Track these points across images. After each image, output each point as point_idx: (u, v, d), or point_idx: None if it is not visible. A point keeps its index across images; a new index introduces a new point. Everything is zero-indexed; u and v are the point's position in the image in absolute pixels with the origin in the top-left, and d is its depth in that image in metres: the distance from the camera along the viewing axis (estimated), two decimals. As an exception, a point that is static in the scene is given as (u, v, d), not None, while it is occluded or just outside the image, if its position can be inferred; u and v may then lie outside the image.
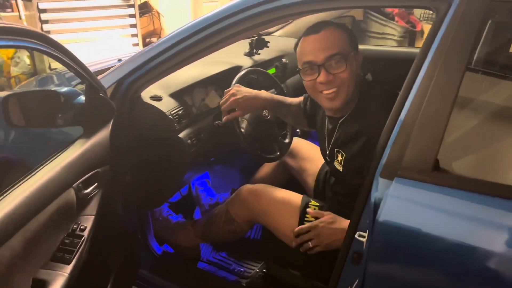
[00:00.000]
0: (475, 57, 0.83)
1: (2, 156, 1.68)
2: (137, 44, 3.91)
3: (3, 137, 1.72)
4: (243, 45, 1.94)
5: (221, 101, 1.46)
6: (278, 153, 1.64)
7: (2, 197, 0.93)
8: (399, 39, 3.85)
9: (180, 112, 1.49)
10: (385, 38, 3.89)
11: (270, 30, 2.32)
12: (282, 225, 1.37)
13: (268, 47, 1.97)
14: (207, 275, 1.59)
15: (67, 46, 1.09)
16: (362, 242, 0.90)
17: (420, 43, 3.75)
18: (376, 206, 0.85)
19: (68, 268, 1.03)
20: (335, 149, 1.31)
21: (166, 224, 1.67)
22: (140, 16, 4.05)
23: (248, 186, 1.49)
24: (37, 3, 3.43)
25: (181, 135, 1.45)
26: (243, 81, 1.56)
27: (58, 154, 1.11)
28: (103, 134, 1.22)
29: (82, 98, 1.19)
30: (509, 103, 0.93)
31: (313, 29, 1.22)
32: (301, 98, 1.56)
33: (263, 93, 1.48)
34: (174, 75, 1.37)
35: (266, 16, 1.11)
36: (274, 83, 1.73)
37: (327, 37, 1.20)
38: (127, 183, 1.34)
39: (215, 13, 1.18)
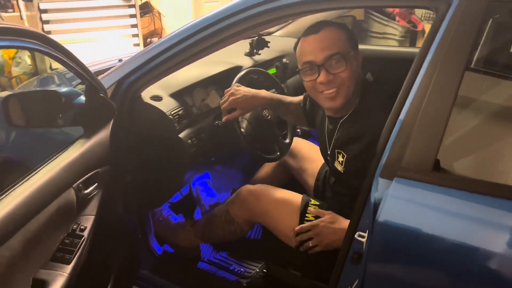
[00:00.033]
0: (474, 57, 0.83)
1: (3, 156, 1.69)
2: (138, 44, 3.91)
3: (4, 137, 1.72)
4: (244, 45, 1.94)
5: (221, 101, 1.46)
6: (278, 153, 1.64)
7: (2, 197, 0.94)
8: (400, 39, 3.85)
9: (180, 112, 1.49)
10: (386, 38, 3.89)
11: (271, 30, 2.32)
12: (282, 225, 1.37)
13: (268, 47, 1.97)
14: (207, 275, 1.59)
15: (68, 46, 1.09)
16: (362, 242, 0.90)
17: (421, 43, 3.74)
18: (376, 206, 0.85)
19: (68, 268, 1.03)
20: (336, 150, 1.30)
21: (166, 224, 1.67)
22: (141, 16, 4.05)
23: (248, 187, 1.49)
24: (38, 3, 3.44)
25: (181, 135, 1.45)
26: (243, 81, 1.56)
27: (58, 154, 1.12)
28: (103, 134, 1.22)
29: (82, 98, 1.19)
30: (508, 103, 0.93)
31: (312, 29, 1.22)
32: (301, 97, 1.56)
33: (262, 92, 1.48)
34: (174, 75, 1.37)
35: (266, 16, 1.12)
36: (275, 83, 1.73)
37: (327, 37, 1.19)
38: (127, 183, 1.34)
39: (215, 13, 1.18)
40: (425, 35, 0.96)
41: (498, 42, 0.84)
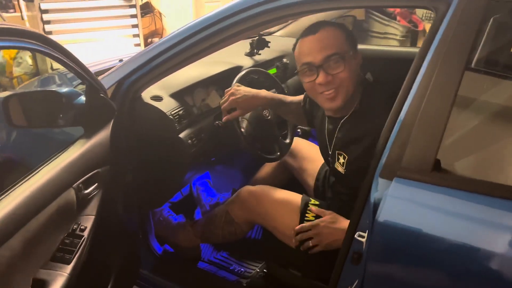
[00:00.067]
0: (474, 57, 0.82)
1: (4, 156, 1.69)
2: (138, 45, 3.92)
3: (5, 137, 1.73)
4: (244, 45, 1.94)
5: (221, 101, 1.46)
6: (279, 153, 1.64)
7: (2, 197, 0.94)
8: (401, 38, 3.84)
9: (180, 112, 1.49)
10: (387, 38, 3.89)
11: (271, 30, 2.32)
12: (282, 225, 1.37)
13: (269, 47, 1.97)
14: (207, 275, 1.59)
15: (69, 46, 1.09)
16: (361, 242, 0.90)
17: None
18: (376, 206, 0.85)
19: (68, 268, 1.03)
20: (337, 151, 1.30)
21: (166, 225, 1.68)
22: (142, 17, 4.05)
23: (248, 188, 1.49)
24: (39, 3, 3.44)
25: (181, 135, 1.46)
26: (243, 81, 1.56)
27: (59, 154, 1.12)
28: (104, 134, 1.22)
29: (83, 98, 1.19)
30: (508, 103, 0.93)
31: (310, 30, 1.21)
32: (301, 97, 1.56)
33: (263, 92, 1.48)
34: (175, 75, 1.37)
35: (267, 16, 1.11)
36: (275, 83, 1.73)
37: (324, 38, 1.19)
38: (127, 183, 1.35)
39: (216, 13, 1.18)
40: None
41: (498, 42, 0.84)
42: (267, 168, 1.81)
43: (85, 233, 1.10)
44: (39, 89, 1.98)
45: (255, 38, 1.93)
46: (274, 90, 1.71)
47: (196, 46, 1.21)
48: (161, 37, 4.41)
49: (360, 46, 1.26)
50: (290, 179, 1.75)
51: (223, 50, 1.31)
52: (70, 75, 1.84)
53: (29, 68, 3.22)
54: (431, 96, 0.84)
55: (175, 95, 1.53)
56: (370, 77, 1.29)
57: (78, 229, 1.10)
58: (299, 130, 2.01)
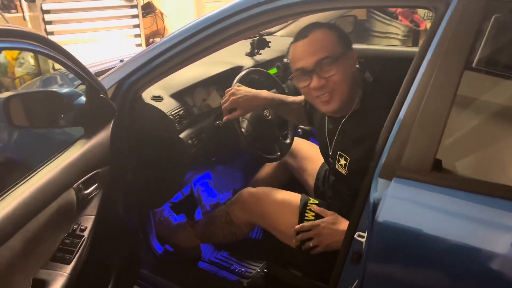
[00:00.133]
0: (473, 57, 0.82)
1: (5, 156, 1.70)
2: (140, 45, 3.92)
3: (7, 137, 1.74)
4: (244, 45, 1.94)
5: (222, 101, 1.46)
6: (279, 153, 1.64)
7: (3, 197, 0.94)
8: (402, 38, 3.83)
9: (181, 112, 1.49)
10: (389, 37, 3.88)
11: (272, 30, 2.32)
12: (282, 225, 1.37)
13: (269, 47, 1.97)
14: (208, 275, 1.59)
15: (71, 46, 1.10)
16: (361, 242, 0.90)
17: (423, 42, 3.72)
18: (375, 206, 0.85)
19: (68, 268, 1.04)
20: (338, 152, 1.29)
21: (167, 225, 1.68)
22: (143, 17, 4.06)
23: (249, 189, 1.49)
24: (41, 4, 3.44)
25: (182, 135, 1.46)
26: (244, 81, 1.56)
27: (59, 154, 1.12)
28: (104, 134, 1.22)
29: (83, 99, 1.20)
30: (508, 103, 0.93)
31: (300, 35, 1.20)
32: (302, 97, 1.56)
33: (263, 93, 1.48)
34: (175, 76, 1.37)
35: (267, 16, 1.11)
36: (275, 83, 1.73)
37: (315, 41, 1.17)
38: (127, 183, 1.35)
39: (216, 13, 1.18)
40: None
41: (497, 41, 0.84)
42: (268, 168, 1.81)
43: (85, 233, 1.10)
44: (40, 89, 1.99)
45: (255, 38, 1.93)
46: (274, 90, 1.71)
47: (196, 46, 1.21)
48: (163, 37, 4.41)
49: (360, 46, 1.26)
50: (290, 179, 1.75)
51: (224, 50, 1.31)
52: (72, 75, 1.85)
53: (31, 69, 3.23)
54: (431, 95, 0.84)
55: (175, 95, 1.53)
56: (369, 77, 1.28)
57: (78, 229, 1.10)
58: (299, 130, 2.01)
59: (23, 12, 3.62)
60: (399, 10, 3.85)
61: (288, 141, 1.71)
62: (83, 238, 1.09)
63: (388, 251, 0.87)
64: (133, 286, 1.50)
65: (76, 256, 1.06)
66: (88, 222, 1.12)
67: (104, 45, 3.73)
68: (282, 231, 1.37)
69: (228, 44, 1.25)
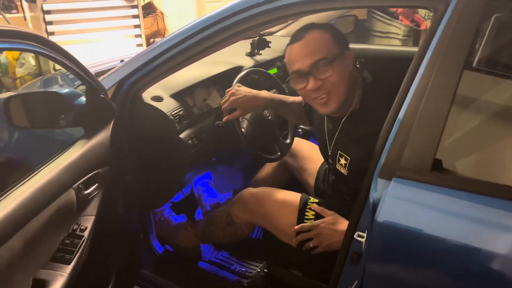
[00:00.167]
0: (473, 57, 0.82)
1: (6, 156, 1.70)
2: (141, 45, 3.93)
3: (7, 138, 1.74)
4: (245, 45, 1.94)
5: (222, 101, 1.46)
6: (279, 153, 1.64)
7: (2, 197, 0.94)
8: (403, 38, 3.83)
9: (181, 112, 1.49)
10: (389, 37, 3.87)
11: (272, 30, 2.32)
12: (283, 225, 1.37)
13: (269, 47, 1.97)
14: (208, 275, 1.60)
15: (71, 47, 1.10)
16: (361, 242, 0.90)
17: (424, 42, 3.71)
18: (375, 206, 0.85)
19: (68, 268, 1.04)
20: (338, 152, 1.29)
21: (167, 225, 1.68)
22: (144, 17, 4.06)
23: (249, 190, 1.49)
24: (42, 4, 3.45)
25: (182, 135, 1.46)
26: (244, 81, 1.56)
27: (59, 155, 1.12)
28: (104, 135, 1.22)
29: (83, 99, 1.20)
30: (508, 103, 0.92)
31: (296, 37, 1.20)
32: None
33: (263, 93, 1.48)
34: (175, 76, 1.37)
35: (267, 16, 1.11)
36: (276, 83, 1.73)
37: (310, 43, 1.17)
38: (128, 183, 1.35)
39: (216, 13, 1.18)
40: (425, 35, 0.95)
41: (497, 41, 0.84)
42: (268, 168, 1.81)
43: (85, 234, 1.10)
44: (40, 89, 1.99)
45: (255, 38, 1.94)
46: (274, 90, 1.71)
47: (196, 46, 1.21)
48: (163, 37, 4.41)
49: (360, 46, 1.25)
50: (290, 179, 1.75)
51: (224, 50, 1.31)
52: (72, 76, 1.85)
53: (32, 69, 3.24)
54: (430, 95, 0.84)
55: (175, 96, 1.53)
56: (368, 76, 1.28)
57: (78, 230, 1.10)
58: (299, 130, 2.01)
59: (23, 13, 3.63)
60: (399, 10, 3.85)
61: (288, 141, 1.71)
62: (83, 238, 1.09)
63: (388, 251, 0.87)
64: (133, 286, 1.50)
65: (76, 256, 1.06)
66: (88, 222, 1.12)
67: (105, 45, 3.74)
68: (283, 230, 1.37)
69: (228, 44, 1.25)
